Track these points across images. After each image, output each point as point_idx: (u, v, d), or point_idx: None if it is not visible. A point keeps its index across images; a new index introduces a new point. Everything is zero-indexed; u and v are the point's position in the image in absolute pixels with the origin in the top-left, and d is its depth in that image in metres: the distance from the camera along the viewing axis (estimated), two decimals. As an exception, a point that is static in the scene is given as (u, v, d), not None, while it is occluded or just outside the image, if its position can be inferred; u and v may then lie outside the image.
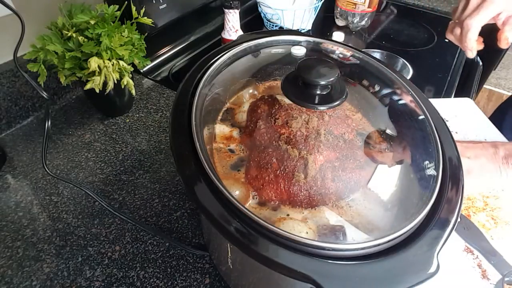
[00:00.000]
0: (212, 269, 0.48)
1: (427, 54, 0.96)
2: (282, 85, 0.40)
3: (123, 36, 0.61)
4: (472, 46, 0.55)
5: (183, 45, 0.94)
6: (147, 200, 0.57)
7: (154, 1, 0.78)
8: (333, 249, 0.28)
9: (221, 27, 0.87)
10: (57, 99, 0.75)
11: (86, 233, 0.52)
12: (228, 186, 0.34)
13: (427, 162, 0.37)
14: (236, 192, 0.37)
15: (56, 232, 0.52)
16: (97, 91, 0.59)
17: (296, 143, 0.39)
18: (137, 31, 0.64)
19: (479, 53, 0.59)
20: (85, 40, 0.57)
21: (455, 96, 0.83)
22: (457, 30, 0.57)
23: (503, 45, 0.55)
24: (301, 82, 0.38)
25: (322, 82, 0.37)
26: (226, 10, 0.82)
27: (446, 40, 1.01)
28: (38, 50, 0.56)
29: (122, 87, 0.63)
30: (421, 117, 0.41)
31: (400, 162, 0.41)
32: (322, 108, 0.38)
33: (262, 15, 1.01)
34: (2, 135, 0.67)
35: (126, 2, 0.64)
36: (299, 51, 0.48)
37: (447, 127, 0.41)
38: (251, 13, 1.10)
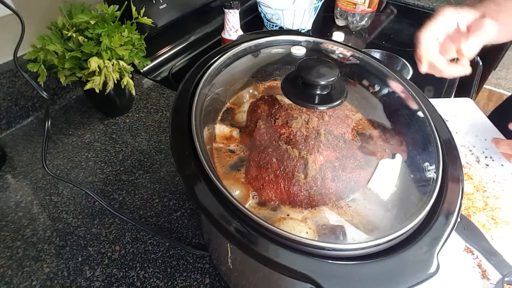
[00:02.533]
0: (212, 269, 0.48)
1: (427, 54, 0.96)
2: (282, 85, 0.40)
3: (123, 36, 0.61)
4: (420, 56, 0.51)
5: (183, 45, 0.94)
6: (147, 200, 0.57)
7: (154, 1, 0.78)
8: (333, 249, 0.28)
9: (221, 27, 0.87)
10: (57, 99, 0.75)
11: (86, 233, 0.52)
12: (228, 186, 0.34)
13: (427, 162, 0.37)
14: (236, 192, 0.37)
15: (56, 232, 0.52)
16: (97, 91, 0.59)
17: (296, 143, 0.39)
18: (137, 31, 0.64)
19: (479, 53, 0.58)
20: (85, 40, 0.57)
21: (455, 96, 0.83)
22: None
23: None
24: (301, 82, 0.38)
25: (322, 82, 0.37)
26: (226, 10, 0.82)
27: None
28: (38, 50, 0.56)
29: (122, 87, 0.63)
30: (421, 117, 0.41)
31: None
32: (322, 108, 0.38)
33: (262, 15, 1.01)
34: (2, 135, 0.67)
35: (126, 2, 0.64)
36: (299, 51, 0.48)
37: (447, 127, 0.41)
38: (251, 13, 1.10)
